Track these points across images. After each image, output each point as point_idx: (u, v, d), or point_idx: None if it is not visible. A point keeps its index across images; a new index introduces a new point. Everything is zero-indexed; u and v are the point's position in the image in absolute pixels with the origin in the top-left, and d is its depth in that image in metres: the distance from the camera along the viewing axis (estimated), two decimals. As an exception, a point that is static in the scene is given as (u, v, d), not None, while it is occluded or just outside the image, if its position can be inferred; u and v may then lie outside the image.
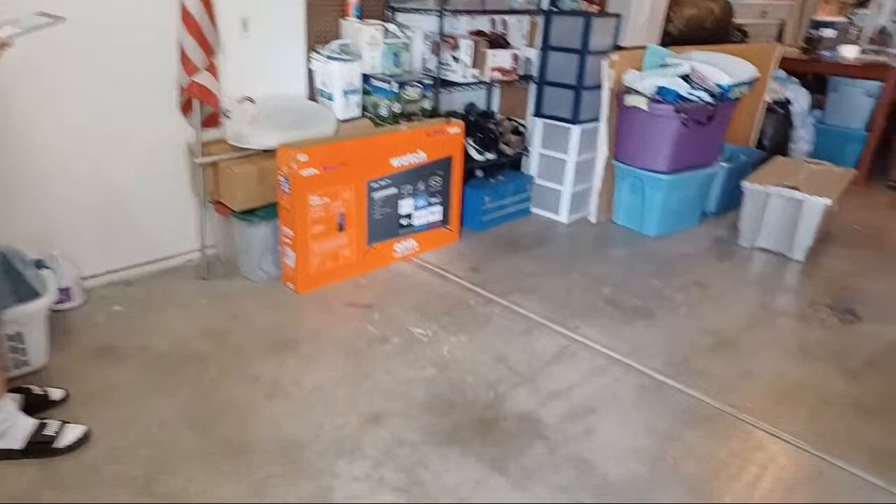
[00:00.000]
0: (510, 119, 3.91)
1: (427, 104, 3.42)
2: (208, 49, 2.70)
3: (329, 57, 3.16)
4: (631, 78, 3.59)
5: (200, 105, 2.72)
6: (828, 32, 5.08)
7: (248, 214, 2.85)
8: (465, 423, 2.11)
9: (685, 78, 3.53)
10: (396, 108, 3.29)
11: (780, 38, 5.47)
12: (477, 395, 2.25)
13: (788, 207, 3.41)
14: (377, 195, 3.05)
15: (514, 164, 3.95)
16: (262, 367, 2.33)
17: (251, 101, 2.93)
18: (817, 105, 4.99)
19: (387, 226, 3.14)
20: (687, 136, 3.53)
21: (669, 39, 4.10)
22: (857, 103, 4.81)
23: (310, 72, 3.23)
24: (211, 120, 2.86)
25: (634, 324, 2.76)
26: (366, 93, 3.29)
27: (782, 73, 4.82)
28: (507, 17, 3.81)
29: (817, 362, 2.53)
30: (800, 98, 4.84)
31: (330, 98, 3.19)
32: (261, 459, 1.90)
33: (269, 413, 2.11)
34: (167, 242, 2.98)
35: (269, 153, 2.80)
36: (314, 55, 3.20)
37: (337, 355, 2.43)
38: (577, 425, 2.12)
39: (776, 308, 3.02)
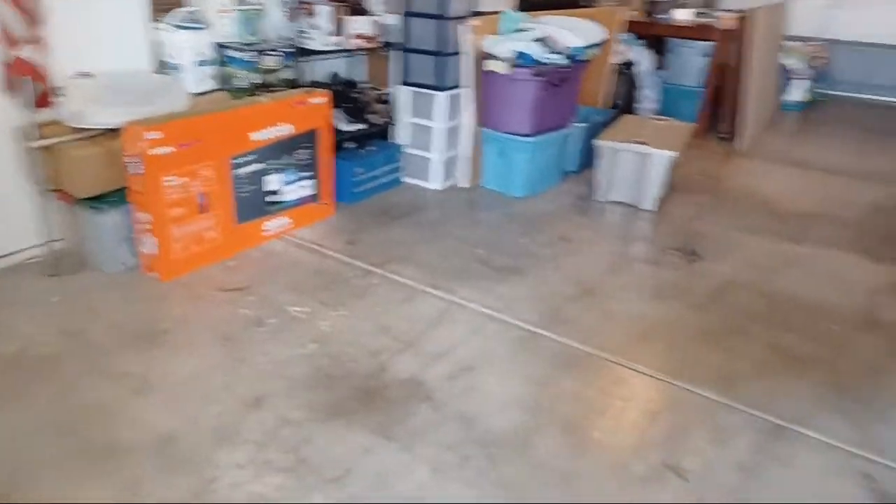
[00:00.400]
0: (375, 88, 3.87)
1: (288, 74, 3.30)
2: (31, 19, 2.42)
3: (176, 26, 2.95)
4: (489, 43, 3.66)
5: (30, 83, 2.44)
6: (666, -5, 5.46)
7: (96, 201, 2.63)
8: (349, 395, 2.11)
9: (540, 42, 3.66)
10: (255, 78, 3.16)
11: (625, 1, 5.80)
12: (359, 366, 2.25)
13: (637, 161, 3.67)
14: (242, 171, 2.92)
15: (382, 133, 3.92)
16: (128, 363, 2.19)
17: (89, 76, 2.68)
18: (660, 65, 5.37)
19: (255, 203, 3.02)
20: (545, 99, 3.68)
21: (525, 4, 4.22)
22: (692, 62, 5.23)
23: (154, 43, 3.00)
24: (42, 100, 2.58)
25: (507, 281, 2.87)
26: (221, 64, 3.12)
27: (628, 36, 5.13)
28: (363, -17, 3.74)
29: (669, 301, 2.79)
30: (644, 59, 5.19)
31: (180, 70, 2.98)
32: (131, 459, 1.80)
33: (138, 410, 1.99)
34: (5, 238, 2.68)
35: (114, 133, 2.59)
36: (158, 25, 2.97)
37: (209, 342, 2.34)
38: (460, 383, 2.20)
39: (632, 255, 3.27)
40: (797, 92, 6.30)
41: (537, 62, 3.58)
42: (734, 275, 3.02)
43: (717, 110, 5.29)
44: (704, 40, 5.13)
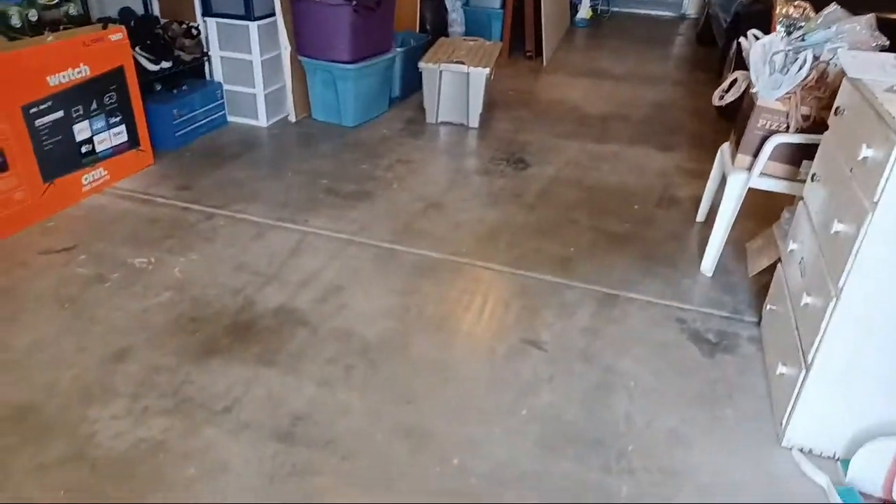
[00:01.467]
0: (179, 22, 3.58)
1: (73, 10, 2.94)
2: None
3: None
4: (299, -32, 3.54)
5: None
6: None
7: None
8: (220, 333, 2.08)
9: (350, -35, 3.60)
10: (33, 15, 2.77)
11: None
12: (224, 305, 2.21)
13: (458, 81, 3.85)
14: (40, 122, 2.60)
15: (195, 71, 3.67)
16: (-48, 344, 1.94)
17: None
18: (463, -11, 5.54)
19: (64, 156, 2.73)
20: (362, 25, 3.67)
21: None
22: (489, -15, 5.48)
23: None
24: None
25: (356, 206, 2.93)
26: (-12, 0, 2.69)
27: (431, -40, 5.20)
28: None
29: (505, 205, 3.04)
30: (449, -17, 5.31)
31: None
32: (-9, 436, 1.65)
33: (-18, 387, 1.80)
34: None
35: None
36: None
37: (48, 307, 2.14)
38: (330, 304, 2.26)
39: (467, 169, 3.48)
40: (584, 9, 6.88)
41: (350, -14, 3.54)
42: (556, 175, 3.36)
43: (519, 31, 5.62)
44: (501, -37, 5.36)
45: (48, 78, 2.60)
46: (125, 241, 2.52)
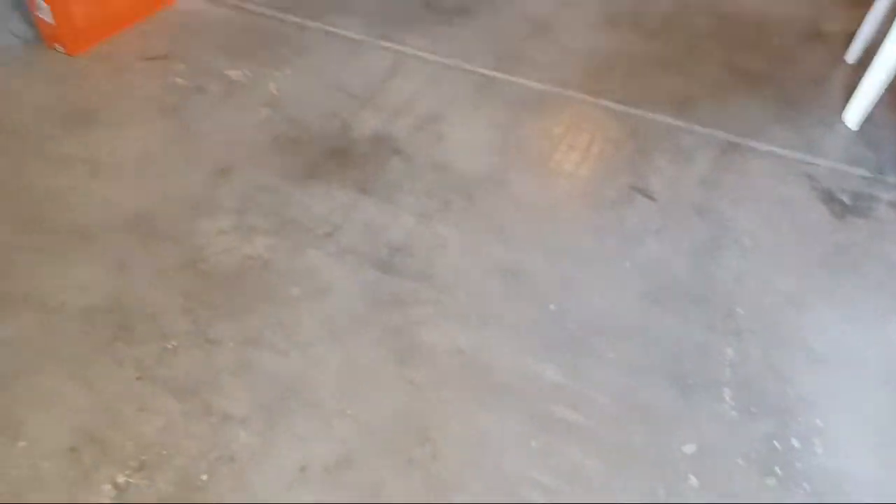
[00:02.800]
0: None
1: None
2: None
3: None
4: None
5: None
6: None
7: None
8: (318, 156, 2.04)
9: None
10: None
11: None
12: (322, 127, 2.15)
13: None
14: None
15: None
16: (71, 147, 2.00)
17: None
18: None
19: (154, -46, 2.58)
20: None
21: None
22: None
23: None
24: None
25: (457, 25, 2.69)
26: None
27: None
28: None
29: (622, 30, 2.71)
30: None
31: None
32: (111, 238, 1.74)
33: (100, 192, 1.87)
34: None
35: None
36: None
37: (151, 117, 2.14)
38: (427, 133, 2.15)
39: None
40: None
41: None
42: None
43: None
44: None
45: None
46: (221, 51, 2.44)
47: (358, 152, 2.07)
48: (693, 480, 1.33)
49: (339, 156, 2.05)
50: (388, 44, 2.55)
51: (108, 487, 1.26)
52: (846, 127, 2.25)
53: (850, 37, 2.59)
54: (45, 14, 2.27)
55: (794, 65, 2.55)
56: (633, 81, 2.44)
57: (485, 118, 2.24)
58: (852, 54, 2.55)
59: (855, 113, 2.22)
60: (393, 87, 2.34)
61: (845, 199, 1.99)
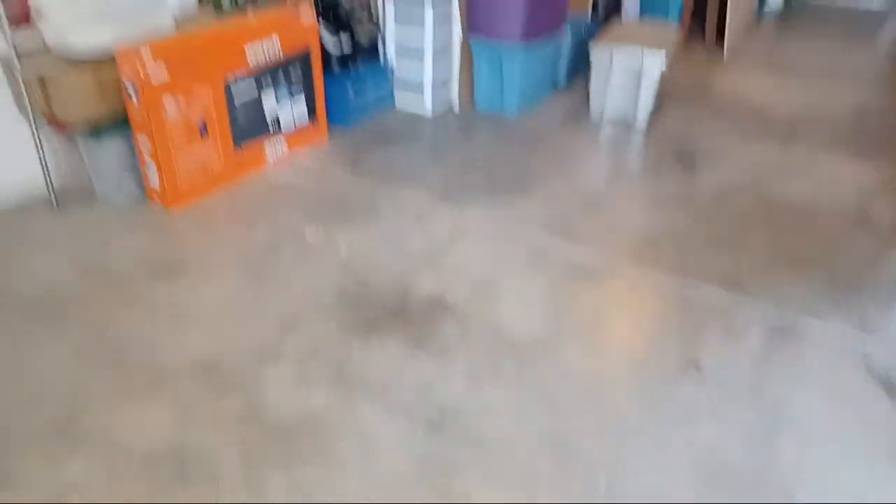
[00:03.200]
0: (360, 4, 3.72)
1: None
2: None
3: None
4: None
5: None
6: None
7: (95, 131, 2.54)
8: (378, 314, 2.17)
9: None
10: (241, -3, 3.00)
11: None
12: (384, 286, 2.30)
13: (629, 68, 3.64)
14: (237, 91, 2.83)
15: (370, 52, 3.80)
16: (154, 293, 2.19)
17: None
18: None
19: (252, 124, 2.96)
20: (537, 1, 3.59)
21: None
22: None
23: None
24: (21, 17, 2.42)
25: (514, 199, 2.91)
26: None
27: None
28: None
29: (670, 210, 2.87)
30: (628, -36, 5.05)
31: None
32: (181, 383, 1.85)
33: (176, 338, 2.02)
34: (7, 176, 2.59)
35: (103, 55, 2.47)
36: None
37: (231, 270, 2.35)
38: (482, 298, 2.27)
39: (631, 167, 3.33)
40: (774, 0, 6.26)
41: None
42: (731, 181, 3.10)
43: (699, 15, 5.24)
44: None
45: (247, 51, 2.82)
46: (300, 213, 2.70)
47: (416, 312, 2.19)
48: None
49: (398, 314, 2.17)
50: (450, 212, 2.76)
51: None
52: (902, 313, 2.25)
53: (898, 225, 2.65)
54: (152, 174, 2.60)
55: (845, 249, 2.61)
56: (681, 258, 2.54)
57: (538, 286, 2.35)
58: (902, 242, 2.60)
59: (909, 300, 2.23)
60: (452, 252, 2.50)
61: (906, 387, 1.95)
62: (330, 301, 2.21)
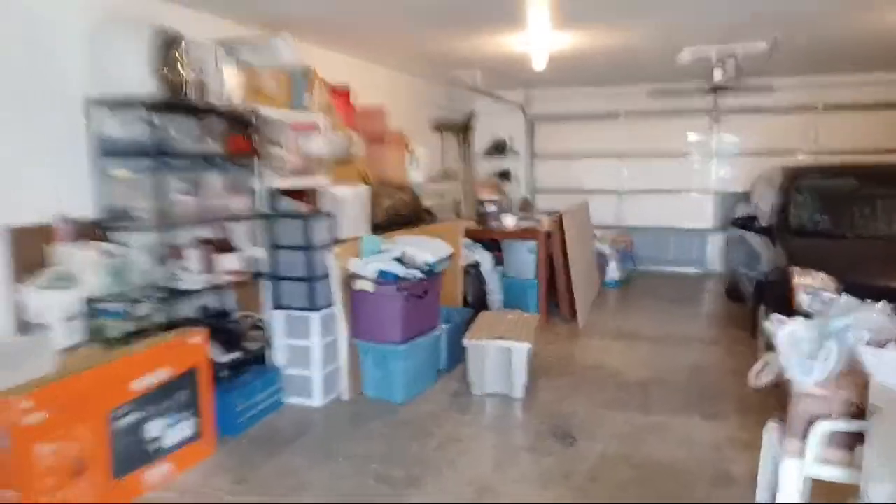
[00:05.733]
0: (248, 315, 3.99)
1: (161, 317, 3.34)
2: None
3: (42, 287, 2.94)
4: (354, 265, 4.03)
5: None
6: (491, 207, 6.36)
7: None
8: None
9: (399, 260, 4.09)
10: (128, 327, 3.15)
11: (458, 213, 6.67)
12: None
13: (501, 355, 4.06)
14: (120, 424, 2.81)
15: (257, 359, 3.97)
16: None
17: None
18: (499, 262, 6.08)
19: (133, 454, 2.88)
20: (411, 308, 4.04)
21: (377, 227, 4.72)
22: (524, 258, 5.99)
23: (18, 304, 2.94)
24: None
25: (408, 496, 2.93)
26: (91, 317, 3.09)
27: (468, 241, 5.83)
28: (227, 223, 4.00)
29: (555, 487, 3.00)
30: (485, 259, 5.88)
31: (46, 329, 2.92)
32: None
33: None
34: None
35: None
36: (23, 287, 2.94)
37: None
38: None
39: (514, 445, 3.51)
40: (613, 272, 7.39)
41: (399, 278, 3.98)
42: (603, 451, 3.34)
43: (553, 297, 6.01)
44: (529, 239, 5.94)
45: (133, 383, 2.87)
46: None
47: None
48: None
49: None
50: (343, 521, 2.71)
51: None
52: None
53: (755, 476, 2.93)
54: None
55: (714, 508, 2.81)
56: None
57: None
58: (760, 496, 2.84)
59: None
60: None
61: None
62: None
